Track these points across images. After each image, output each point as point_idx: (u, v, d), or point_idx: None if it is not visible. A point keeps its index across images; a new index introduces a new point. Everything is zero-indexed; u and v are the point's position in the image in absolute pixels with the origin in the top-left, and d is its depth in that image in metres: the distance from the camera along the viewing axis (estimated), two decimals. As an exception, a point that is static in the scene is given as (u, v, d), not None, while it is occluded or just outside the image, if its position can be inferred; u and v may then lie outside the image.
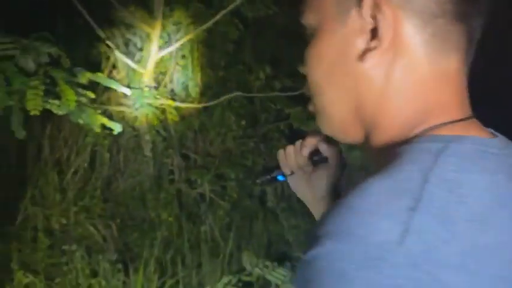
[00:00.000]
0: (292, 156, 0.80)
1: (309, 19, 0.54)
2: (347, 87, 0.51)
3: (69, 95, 2.10)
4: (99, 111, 2.37)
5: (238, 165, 3.46)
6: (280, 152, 0.82)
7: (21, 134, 2.13)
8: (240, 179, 3.43)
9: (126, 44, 3.47)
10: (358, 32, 0.50)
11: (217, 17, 3.32)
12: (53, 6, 3.14)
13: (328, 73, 0.52)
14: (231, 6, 3.29)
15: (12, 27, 2.47)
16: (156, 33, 3.23)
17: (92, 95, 2.33)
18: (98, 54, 3.21)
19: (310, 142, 0.78)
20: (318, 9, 0.53)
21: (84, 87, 2.45)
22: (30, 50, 2.16)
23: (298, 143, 0.80)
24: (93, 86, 2.90)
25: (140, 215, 3.08)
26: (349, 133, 0.55)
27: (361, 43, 0.50)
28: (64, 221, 2.87)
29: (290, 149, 0.80)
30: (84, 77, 2.25)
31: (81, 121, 2.25)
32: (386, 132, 0.50)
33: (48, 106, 2.12)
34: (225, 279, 2.84)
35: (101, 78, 2.29)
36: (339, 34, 0.51)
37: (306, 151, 0.78)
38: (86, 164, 2.96)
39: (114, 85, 2.39)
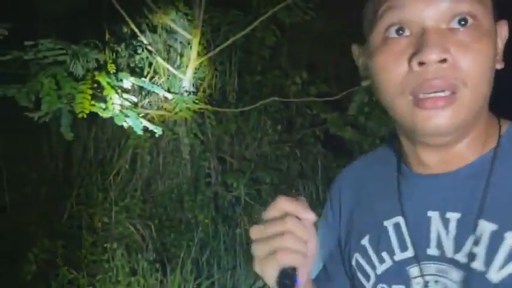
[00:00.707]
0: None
1: (475, 9, 0.56)
2: (490, 85, 0.57)
3: (114, 99, 2.19)
4: (141, 114, 2.46)
5: (273, 170, 3.49)
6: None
7: (69, 135, 2.25)
8: (275, 183, 3.46)
9: (167, 50, 3.59)
10: (503, 38, 0.61)
11: (255, 23, 3.38)
12: (99, 14, 3.29)
13: (488, 69, 0.56)
14: (269, 13, 3.35)
15: (62, 34, 2.61)
16: (195, 39, 3.32)
17: (135, 99, 2.42)
18: (141, 60, 3.33)
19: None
20: (485, 6, 0.57)
21: (127, 91, 2.56)
22: (79, 56, 2.28)
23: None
24: (135, 90, 3.03)
25: (178, 216, 3.16)
26: (475, 127, 0.60)
27: (501, 47, 0.60)
28: (106, 220, 2.98)
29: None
30: (128, 81, 2.35)
31: (125, 124, 2.34)
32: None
33: (94, 109, 2.23)
34: (259, 284, 2.87)
35: (144, 83, 2.39)
36: (493, 34, 0.57)
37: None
38: (127, 166, 3.08)
39: (156, 90, 2.48)
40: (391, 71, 0.57)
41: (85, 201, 3.08)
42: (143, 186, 3.10)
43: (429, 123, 0.55)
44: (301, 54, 3.85)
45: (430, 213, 0.61)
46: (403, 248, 0.63)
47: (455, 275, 0.58)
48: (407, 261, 0.63)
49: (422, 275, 0.61)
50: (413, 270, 0.62)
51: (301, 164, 3.63)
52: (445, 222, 0.60)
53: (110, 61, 2.40)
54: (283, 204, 0.58)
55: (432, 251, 0.61)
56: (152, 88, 2.41)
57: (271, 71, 3.71)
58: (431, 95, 0.54)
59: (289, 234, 0.56)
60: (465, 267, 0.57)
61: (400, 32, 0.56)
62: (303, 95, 3.71)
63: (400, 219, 0.64)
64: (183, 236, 3.05)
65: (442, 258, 0.60)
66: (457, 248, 0.59)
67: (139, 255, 2.83)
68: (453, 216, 0.60)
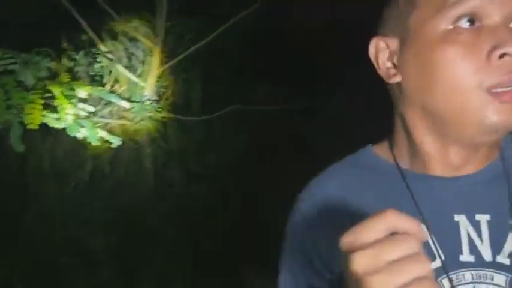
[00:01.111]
0: None
1: None
2: None
3: (66, 108, 2.12)
4: (98, 124, 2.38)
5: (240, 178, 3.45)
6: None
7: (19, 147, 2.16)
8: (243, 193, 3.42)
9: (129, 58, 3.52)
10: None
11: (219, 31, 3.35)
12: (57, 21, 3.20)
13: None
14: (232, 21, 3.33)
15: (17, 42, 2.52)
16: (157, 47, 3.27)
17: (91, 109, 2.35)
18: (100, 68, 3.25)
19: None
20: None
21: (84, 101, 2.48)
22: (30, 65, 2.20)
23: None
24: (94, 99, 2.94)
25: (140, 227, 3.08)
26: None
27: None
28: (64, 234, 2.88)
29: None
30: (84, 91, 2.27)
31: (79, 135, 2.27)
32: None
33: (46, 120, 2.15)
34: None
35: (100, 91, 2.32)
36: None
37: None
38: (86, 177, 2.98)
39: (113, 98, 2.41)
40: (467, 62, 0.53)
41: (42, 215, 2.96)
42: (103, 197, 3.01)
43: (505, 117, 0.53)
44: (266, 63, 3.84)
45: (457, 217, 0.57)
46: (431, 257, 0.56)
47: (500, 278, 0.55)
48: (437, 272, 0.57)
49: (455, 286, 0.56)
50: (445, 282, 0.57)
51: (267, 172, 3.60)
52: (476, 225, 0.57)
53: (65, 70, 2.31)
54: (394, 221, 0.43)
55: (466, 257, 0.57)
56: (109, 97, 2.35)
57: (236, 79, 3.69)
58: (509, 88, 0.53)
59: (419, 257, 0.43)
60: (510, 269, 0.55)
61: (472, 23, 0.54)
62: (270, 103, 3.69)
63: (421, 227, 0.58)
64: (146, 247, 2.97)
65: (479, 263, 0.56)
66: (496, 251, 0.56)
67: (100, 268, 2.74)
68: (483, 218, 0.57)
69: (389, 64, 0.60)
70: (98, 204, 2.89)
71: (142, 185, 3.18)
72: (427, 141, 0.59)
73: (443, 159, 0.59)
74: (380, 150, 0.66)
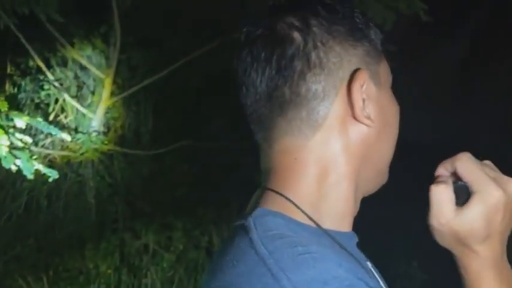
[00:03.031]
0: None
1: None
2: None
3: (1, 139, 2.01)
4: (35, 156, 2.28)
5: (186, 215, 3.37)
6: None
7: None
8: (188, 229, 3.34)
9: (80, 88, 3.43)
10: None
11: (173, 66, 3.35)
12: (4, 45, 3.09)
13: None
14: (189, 57, 3.34)
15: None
16: (109, 78, 3.22)
17: (29, 140, 2.24)
18: (47, 96, 3.15)
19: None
20: None
21: (23, 131, 2.37)
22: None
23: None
24: (36, 129, 2.82)
25: (77, 266, 2.91)
26: None
27: None
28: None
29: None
30: (21, 121, 2.17)
31: (14, 167, 2.15)
32: None
33: (-23, 150, 2.03)
34: None
35: (38, 122, 2.22)
36: None
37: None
38: (20, 210, 2.81)
39: (52, 130, 2.32)
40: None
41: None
42: (38, 233, 2.84)
43: None
44: (220, 98, 3.87)
45: (369, 265, 0.58)
46: None
47: None
48: None
49: None
50: None
51: (215, 210, 3.55)
52: (375, 271, 0.58)
53: (2, 98, 2.21)
54: None
55: None
56: (48, 129, 2.25)
57: (189, 114, 3.67)
58: None
59: None
60: None
61: None
62: (221, 138, 3.69)
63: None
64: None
65: None
66: None
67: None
68: (369, 265, 0.59)
69: (374, 104, 0.54)
70: (31, 240, 2.73)
71: (83, 220, 3.04)
72: (350, 196, 0.54)
73: (352, 214, 0.56)
74: (287, 211, 0.52)
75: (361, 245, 0.62)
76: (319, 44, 0.52)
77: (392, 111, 0.57)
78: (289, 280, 0.43)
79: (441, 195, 0.53)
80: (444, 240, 0.55)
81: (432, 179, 0.56)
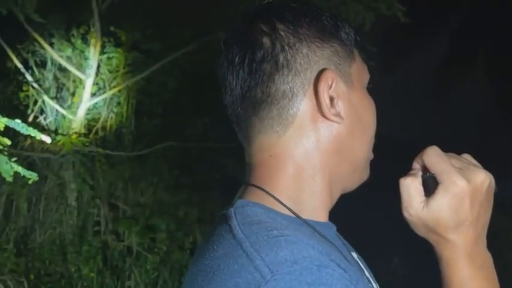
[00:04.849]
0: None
1: None
2: None
3: (-22, 141, 1.97)
4: (15, 158, 2.23)
5: (169, 216, 3.35)
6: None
7: None
8: (171, 231, 3.32)
9: (60, 89, 3.38)
10: None
11: (154, 67, 3.33)
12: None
13: None
14: (169, 58, 3.32)
15: None
16: (89, 79, 3.18)
17: (7, 142, 2.19)
18: (26, 98, 3.09)
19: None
20: None
21: (1, 133, 2.32)
22: None
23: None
24: (15, 130, 2.77)
25: (59, 270, 2.87)
26: None
27: None
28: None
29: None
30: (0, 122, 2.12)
31: (-9, 170, 2.10)
32: None
33: (-47, 153, 1.98)
34: None
35: (17, 124, 2.17)
36: None
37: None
38: (-1, 214, 2.76)
39: (31, 132, 2.27)
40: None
41: None
42: (18, 237, 2.79)
43: None
44: (202, 99, 3.86)
45: (354, 255, 0.62)
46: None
47: None
48: None
49: None
50: None
51: (199, 210, 3.54)
52: (360, 260, 0.63)
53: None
54: None
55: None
56: (26, 131, 2.21)
57: (171, 114, 3.65)
58: None
59: None
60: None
61: None
62: (203, 139, 3.68)
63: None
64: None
65: None
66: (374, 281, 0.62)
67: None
68: (355, 255, 0.63)
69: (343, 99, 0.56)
70: (11, 244, 2.68)
71: (64, 223, 2.99)
72: (324, 189, 0.57)
73: (328, 207, 0.59)
74: (266, 202, 0.56)
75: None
76: (286, 46, 0.55)
77: (367, 109, 0.59)
78: (263, 260, 0.46)
79: (409, 187, 0.56)
80: (418, 231, 0.57)
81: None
